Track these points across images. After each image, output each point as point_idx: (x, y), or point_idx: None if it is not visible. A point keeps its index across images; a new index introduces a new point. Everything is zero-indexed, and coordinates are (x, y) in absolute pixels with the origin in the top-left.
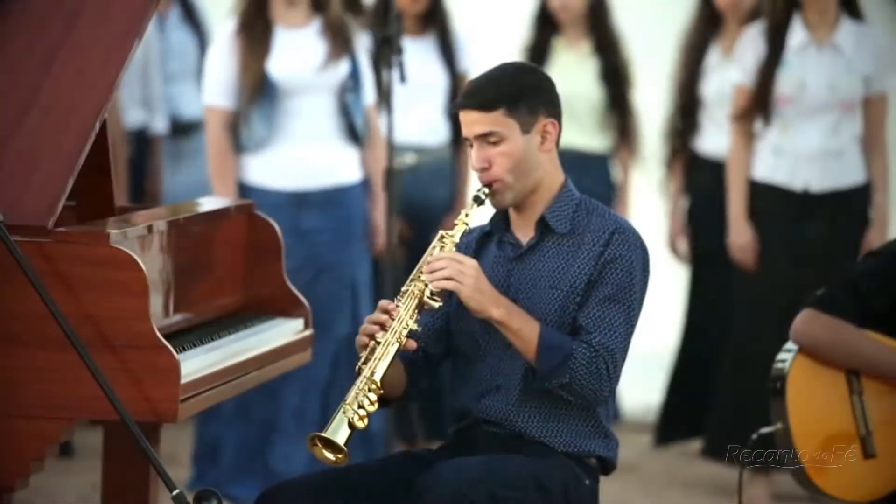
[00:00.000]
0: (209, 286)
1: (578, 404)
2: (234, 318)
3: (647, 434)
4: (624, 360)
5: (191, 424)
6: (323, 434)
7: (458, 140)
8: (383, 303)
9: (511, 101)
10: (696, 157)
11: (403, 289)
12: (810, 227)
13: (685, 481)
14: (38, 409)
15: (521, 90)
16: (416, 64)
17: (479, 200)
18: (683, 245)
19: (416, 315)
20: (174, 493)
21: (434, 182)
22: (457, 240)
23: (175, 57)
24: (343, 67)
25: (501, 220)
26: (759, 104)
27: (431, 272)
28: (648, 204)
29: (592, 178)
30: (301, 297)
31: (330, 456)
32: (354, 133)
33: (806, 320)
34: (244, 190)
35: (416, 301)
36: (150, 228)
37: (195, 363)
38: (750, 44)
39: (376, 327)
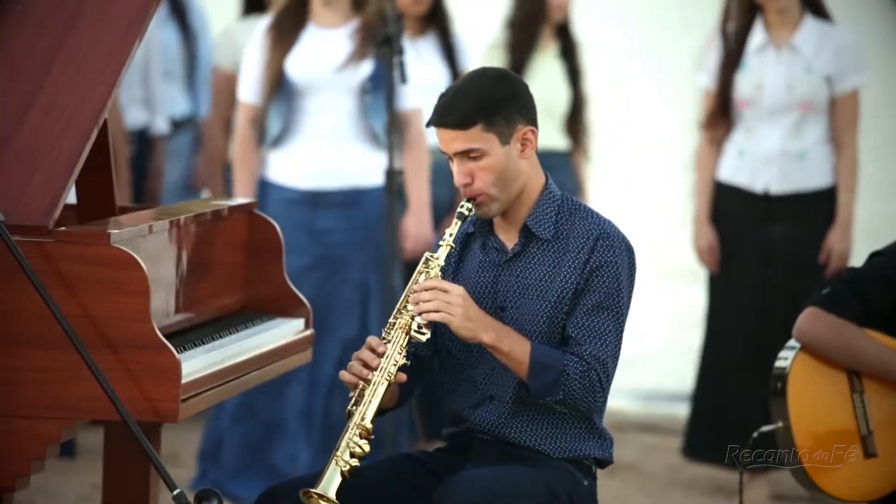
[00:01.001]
0: (210, 286)
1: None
2: (235, 317)
3: (647, 434)
4: (615, 366)
5: (196, 424)
6: (314, 490)
7: None
8: (371, 341)
9: (487, 115)
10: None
11: (390, 321)
12: (774, 229)
13: (685, 481)
14: (38, 409)
15: (497, 102)
16: (417, 64)
17: (462, 217)
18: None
19: (404, 351)
20: (175, 492)
21: (434, 182)
22: (441, 262)
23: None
24: (364, 69)
25: (485, 222)
26: (720, 108)
27: (417, 303)
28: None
29: (563, 175)
30: (302, 297)
31: None
32: (375, 136)
33: (809, 319)
34: (263, 186)
35: (405, 336)
36: (150, 228)
37: (196, 363)
38: (713, 48)
39: (365, 370)
